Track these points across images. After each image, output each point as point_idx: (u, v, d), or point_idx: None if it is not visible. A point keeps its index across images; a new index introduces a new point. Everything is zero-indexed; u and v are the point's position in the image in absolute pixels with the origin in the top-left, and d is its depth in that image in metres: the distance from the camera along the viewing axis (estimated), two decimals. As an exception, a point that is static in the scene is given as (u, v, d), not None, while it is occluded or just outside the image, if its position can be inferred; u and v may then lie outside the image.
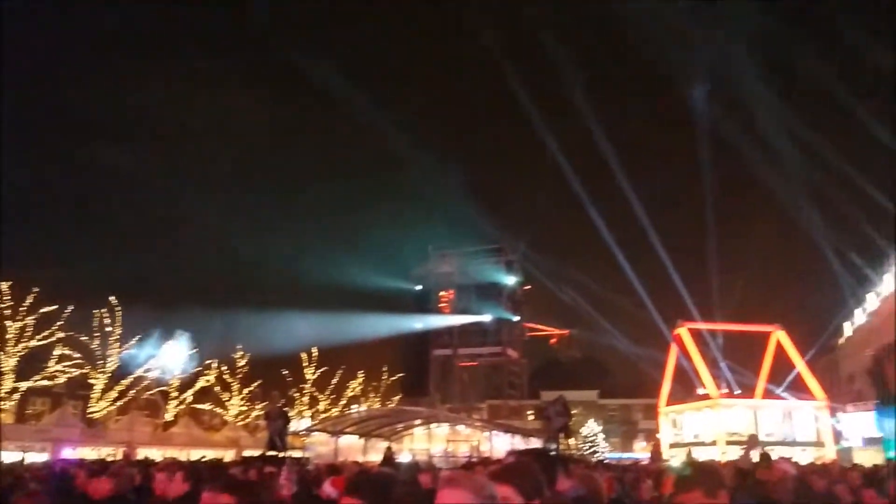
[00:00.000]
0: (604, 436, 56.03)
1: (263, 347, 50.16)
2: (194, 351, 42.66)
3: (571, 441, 32.83)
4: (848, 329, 62.95)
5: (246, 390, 47.22)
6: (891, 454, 33.41)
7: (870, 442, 38.57)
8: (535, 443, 28.84)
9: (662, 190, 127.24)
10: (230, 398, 46.41)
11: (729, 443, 31.96)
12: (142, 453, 24.79)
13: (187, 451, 33.27)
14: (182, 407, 42.96)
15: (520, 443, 28.39)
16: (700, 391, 38.33)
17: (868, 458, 32.57)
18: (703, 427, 35.99)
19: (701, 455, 28.57)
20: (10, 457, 24.74)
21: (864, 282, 52.26)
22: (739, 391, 38.60)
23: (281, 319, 51.72)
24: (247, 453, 29.72)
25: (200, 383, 43.69)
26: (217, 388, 45.52)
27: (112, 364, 38.49)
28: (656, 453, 27.17)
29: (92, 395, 37.97)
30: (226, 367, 45.87)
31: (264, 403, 45.35)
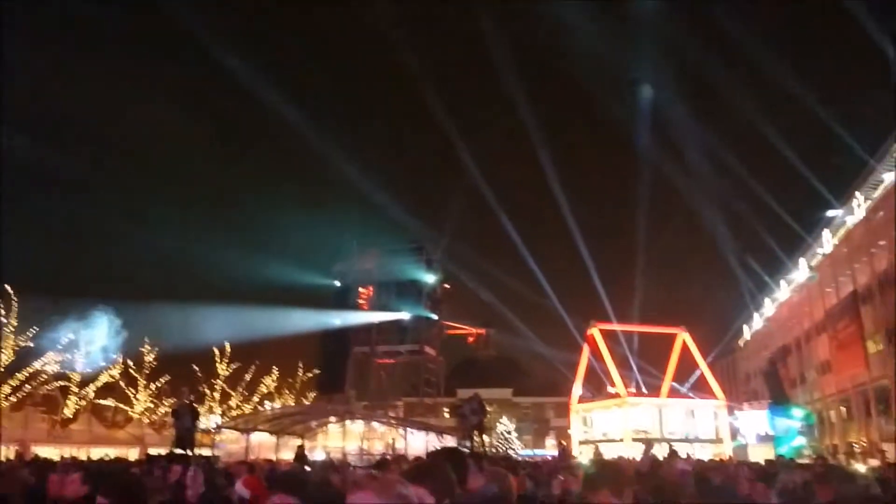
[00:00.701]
0: (517, 433, 57.10)
1: (174, 342, 48.29)
2: (99, 345, 40.72)
3: (486, 438, 33.29)
4: (747, 332, 66.61)
5: (153, 386, 45.40)
6: (781, 450, 35.60)
7: (763, 439, 40.97)
8: (450, 440, 29.07)
9: (578, 196, 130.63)
10: (136, 394, 44.51)
11: (635, 440, 33.27)
12: (38, 452, 23.47)
13: (87, 449, 31.78)
14: (83, 403, 40.84)
15: (435, 440, 28.55)
16: (610, 390, 39.68)
17: (762, 454, 34.58)
18: (612, 424, 37.27)
19: (609, 451, 29.57)
20: None
21: (764, 288, 55.45)
22: (645, 391, 40.22)
23: (194, 313, 49.92)
24: (152, 451, 28.61)
25: (104, 378, 41.66)
26: (122, 384, 43.54)
27: (6, 357, 36.20)
28: (564, 451, 27.90)
29: (-18, 390, 35.59)
30: (132, 362, 43.94)
31: (173, 400, 43.77)
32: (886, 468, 14.82)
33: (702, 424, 36.44)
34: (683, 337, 38.80)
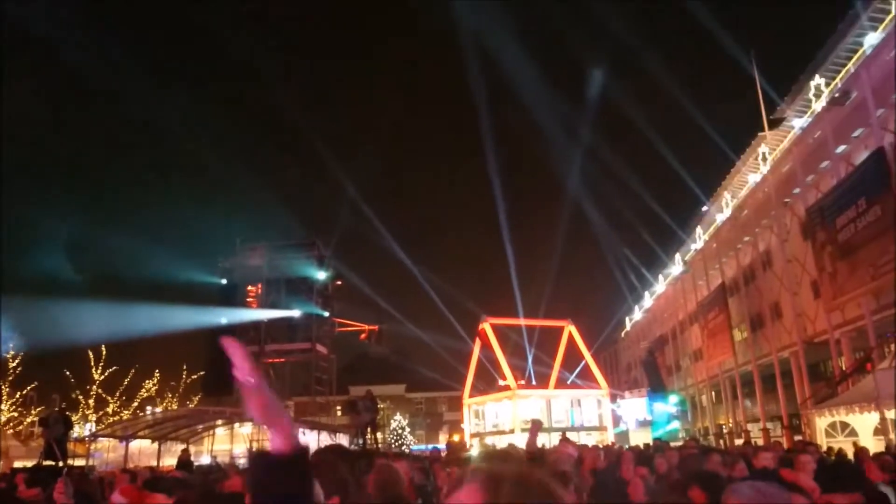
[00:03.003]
0: (410, 428, 57.35)
1: (41, 344, 44.69)
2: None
3: (379, 435, 33.16)
4: (628, 324, 70.10)
5: (18, 394, 42.02)
6: (657, 433, 37.74)
7: (642, 424, 43.28)
8: (344, 439, 28.77)
9: (466, 195, 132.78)
10: (-2, 403, 41.08)
11: (524, 430, 34.24)
12: None
13: (-60, 465, 28.94)
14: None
15: (327, 439, 28.13)
16: (501, 383, 40.57)
17: (641, 438, 36.52)
18: (503, 416, 38.16)
19: (501, 442, 30.24)
20: None
21: (643, 282, 58.50)
22: (535, 383, 41.42)
23: (63, 309, 46.24)
24: (18, 465, 26.46)
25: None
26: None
27: None
28: (454, 444, 28.33)
29: None
30: (-7, 368, 40.49)
31: (41, 408, 40.70)
32: (749, 447, 16.01)
33: (587, 413, 38.00)
34: (570, 329, 40.28)
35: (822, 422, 20.97)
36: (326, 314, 49.67)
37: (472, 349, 42.00)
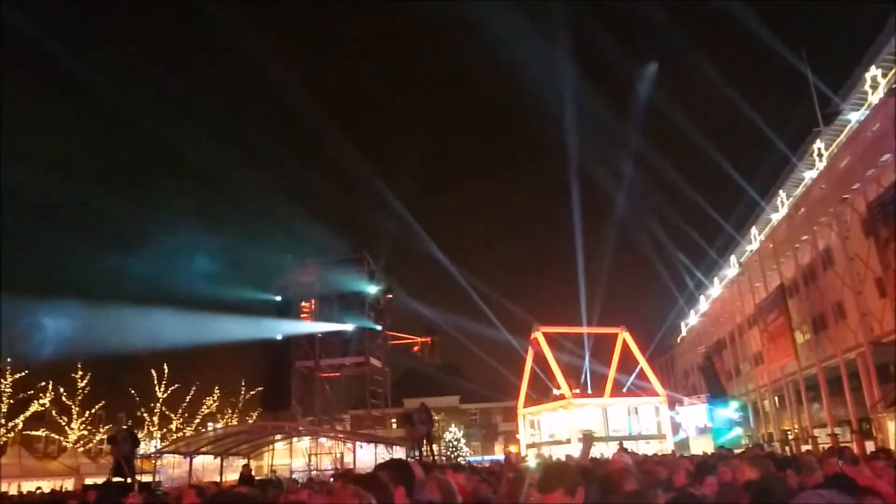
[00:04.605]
0: (466, 440, 57.28)
1: (108, 363, 46.39)
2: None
3: (435, 447, 33.25)
4: (684, 329, 68.65)
5: (88, 413, 43.63)
6: (720, 441, 36.82)
7: (703, 432, 42.22)
8: (399, 451, 28.93)
9: (514, 206, 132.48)
10: (69, 422, 42.69)
11: (581, 439, 33.75)
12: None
13: (18, 483, 30.27)
14: (11, 435, 38.93)
15: (384, 452, 28.35)
16: (555, 392, 40.21)
17: (702, 446, 35.66)
18: (558, 426, 37.78)
19: (557, 453, 29.94)
20: None
21: (698, 286, 57.31)
22: (591, 391, 40.91)
23: (128, 320, 47.91)
24: (89, 481, 27.46)
25: (34, 407, 39.84)
26: (54, 412, 41.72)
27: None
28: (512, 456, 28.16)
29: None
30: (63, 389, 42.16)
31: (109, 426, 42.17)
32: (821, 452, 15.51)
33: (644, 421, 37.31)
34: (624, 336, 39.70)
35: (893, 425, 20.15)
36: (379, 328, 50.11)
37: (524, 359, 41.80)
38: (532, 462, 20.98)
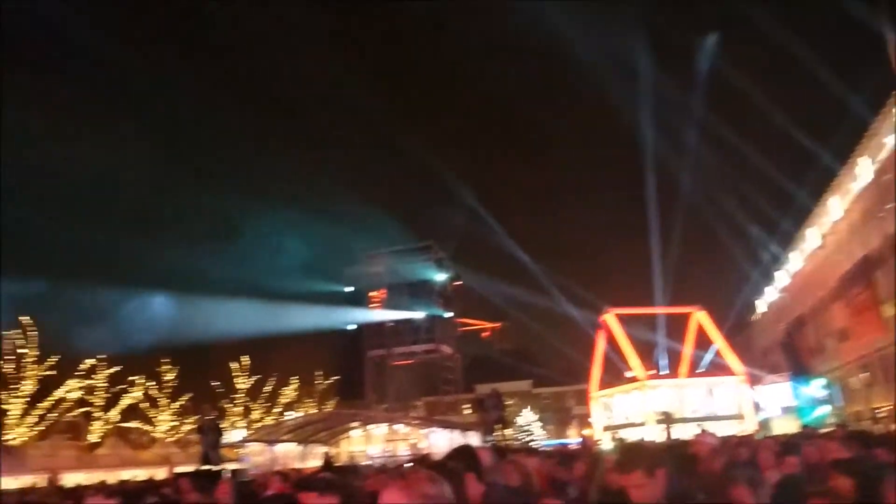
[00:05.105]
0: (540, 423, 57.15)
1: (193, 357, 48.66)
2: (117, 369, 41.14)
3: (508, 431, 33.37)
4: (761, 305, 66.32)
5: (175, 404, 45.75)
6: (806, 420, 35.54)
7: (786, 411, 40.83)
8: (473, 436, 29.18)
9: (585, 184, 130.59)
10: (158, 414, 44.87)
11: (659, 421, 33.19)
12: (68, 479, 23.73)
13: (116, 472, 32.04)
14: (108, 427, 41.23)
15: (458, 438, 28.65)
16: (628, 374, 39.65)
17: (785, 426, 34.51)
18: (633, 409, 37.26)
19: (632, 436, 29.58)
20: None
21: (775, 260, 55.22)
22: (667, 371, 40.15)
23: (206, 312, 50.18)
24: (179, 470, 28.87)
25: (126, 401, 42.06)
26: (144, 405, 43.94)
27: (28, 387, 36.64)
28: (587, 439, 27.99)
29: (7, 422, 35.97)
30: (152, 382, 44.32)
31: (195, 417, 44.12)
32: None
33: (723, 401, 36.37)
34: (699, 316, 38.71)
35: None
36: (448, 314, 50.40)
37: (595, 341, 41.36)
38: (607, 445, 20.81)
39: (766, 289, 61.91)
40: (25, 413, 36.52)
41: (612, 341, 39.26)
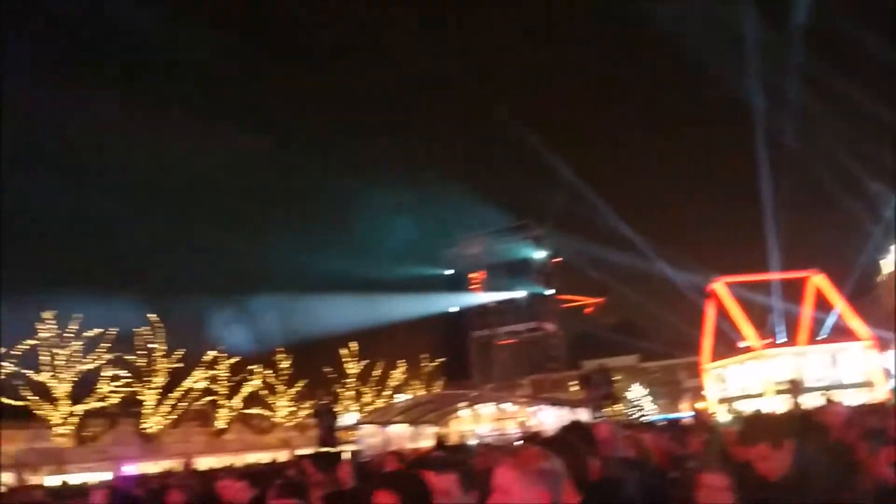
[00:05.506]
0: (650, 398, 55.85)
1: (303, 345, 51.07)
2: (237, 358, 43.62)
3: (617, 407, 32.83)
4: (887, 265, 61.65)
5: (291, 391, 47.95)
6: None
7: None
8: (582, 412, 28.91)
9: (690, 149, 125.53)
10: (276, 401, 47.19)
11: (779, 392, 31.61)
12: (200, 463, 25.45)
13: (242, 455, 34.04)
14: (233, 414, 43.82)
15: (567, 414, 28.46)
16: (742, 344, 37.99)
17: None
18: (749, 379, 35.72)
19: (750, 408, 28.39)
20: (74, 479, 25.58)
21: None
22: (785, 339, 38.13)
23: (315, 307, 52.50)
24: (299, 452, 30.33)
25: (247, 389, 44.48)
26: (264, 392, 46.33)
27: (160, 379, 39.44)
28: (702, 413, 27.10)
29: (144, 412, 38.94)
30: (270, 371, 46.61)
31: (311, 402, 46.08)
32: None
33: (849, 368, 34.23)
34: (817, 280, 36.49)
35: None
36: (549, 292, 50.03)
37: (704, 312, 39.87)
38: (723, 418, 20.09)
39: (893, 247, 57.44)
40: (159, 403, 39.38)
41: (722, 310, 37.72)
